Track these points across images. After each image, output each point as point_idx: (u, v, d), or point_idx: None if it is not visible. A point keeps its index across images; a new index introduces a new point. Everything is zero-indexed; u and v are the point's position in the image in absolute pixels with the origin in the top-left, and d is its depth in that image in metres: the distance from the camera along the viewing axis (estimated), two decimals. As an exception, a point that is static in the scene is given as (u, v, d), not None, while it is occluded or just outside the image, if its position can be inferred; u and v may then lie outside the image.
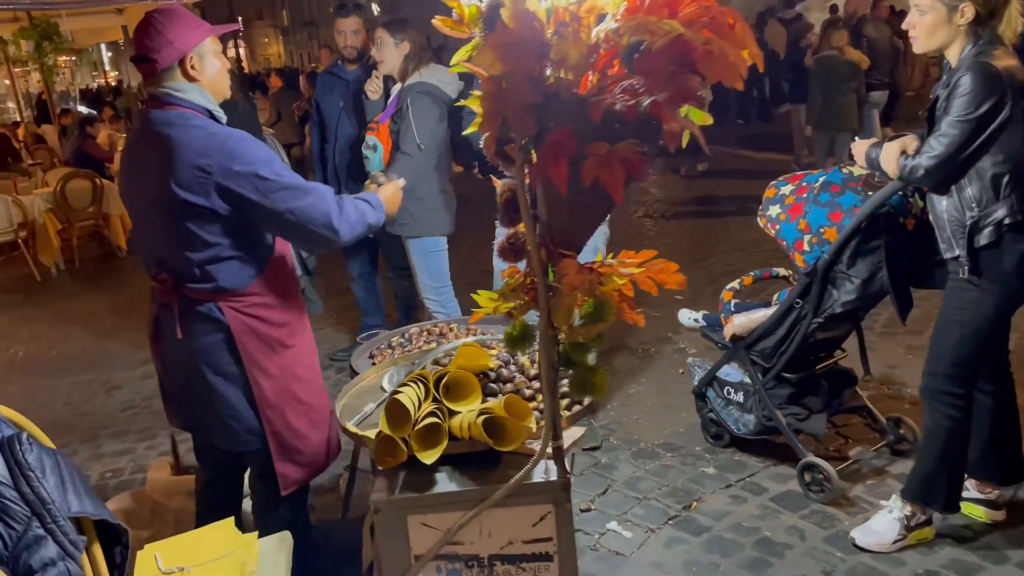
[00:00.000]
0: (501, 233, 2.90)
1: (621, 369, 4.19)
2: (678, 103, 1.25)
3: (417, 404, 1.90)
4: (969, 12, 2.23)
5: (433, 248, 3.87)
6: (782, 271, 3.22)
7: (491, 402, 1.90)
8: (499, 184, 1.75)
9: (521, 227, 1.68)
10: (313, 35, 42.17)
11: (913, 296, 2.70)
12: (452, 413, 1.90)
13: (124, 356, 5.17)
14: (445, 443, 1.83)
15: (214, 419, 2.23)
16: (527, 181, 1.58)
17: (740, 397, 3.09)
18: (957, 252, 2.28)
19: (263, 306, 2.19)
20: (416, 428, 1.83)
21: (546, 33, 1.41)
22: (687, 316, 3.29)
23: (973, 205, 2.23)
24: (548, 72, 1.47)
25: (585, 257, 3.33)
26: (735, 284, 3.15)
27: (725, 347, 3.11)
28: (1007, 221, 2.19)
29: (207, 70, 2.14)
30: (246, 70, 33.01)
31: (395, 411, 1.84)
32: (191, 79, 2.12)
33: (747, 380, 3.05)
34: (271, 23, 51.79)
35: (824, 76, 6.45)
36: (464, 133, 1.82)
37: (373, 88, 3.83)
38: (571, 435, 1.98)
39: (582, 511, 2.94)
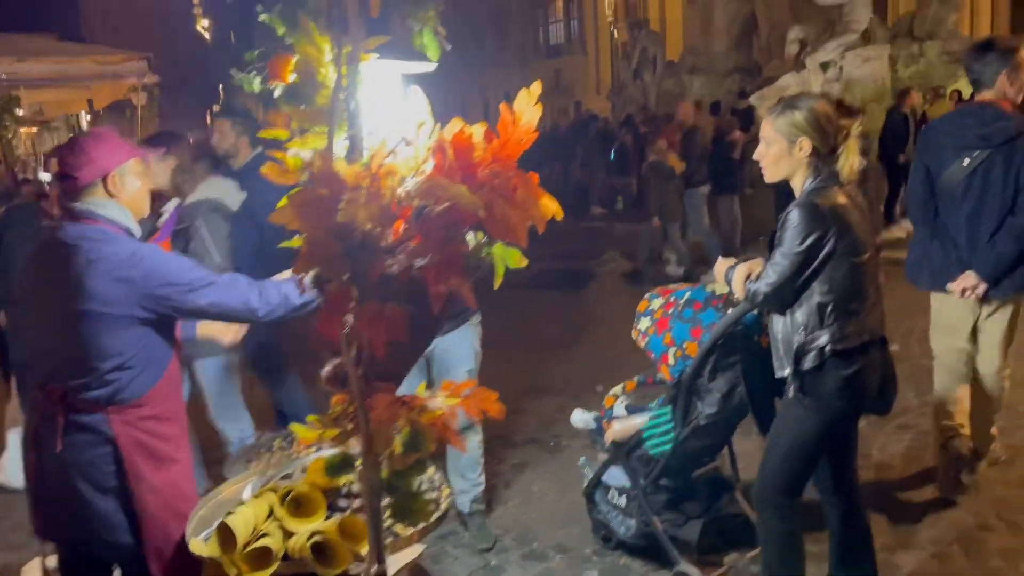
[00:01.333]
0: None
1: (529, 463, 4.23)
2: (446, 270, 1.37)
3: (256, 523, 1.95)
4: (807, 146, 2.42)
5: (218, 367, 3.60)
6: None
7: (327, 522, 1.96)
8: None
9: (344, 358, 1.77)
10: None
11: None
12: (292, 533, 1.95)
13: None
14: (275, 567, 1.87)
15: (90, 532, 2.25)
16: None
17: (623, 501, 3.16)
18: (787, 371, 2.41)
19: (153, 419, 2.25)
20: (246, 551, 1.87)
21: (345, 193, 1.53)
22: (579, 417, 3.38)
23: (801, 329, 2.37)
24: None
25: (467, 364, 3.38)
26: (617, 390, 3.25)
27: (608, 452, 3.19)
28: (828, 348, 2.33)
29: (127, 188, 2.26)
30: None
31: (225, 533, 1.89)
32: (111, 196, 2.24)
33: (629, 485, 3.12)
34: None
35: (654, 177, 8.32)
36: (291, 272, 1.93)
37: None
38: (407, 555, 2.03)
39: (461, 617, 2.96)
